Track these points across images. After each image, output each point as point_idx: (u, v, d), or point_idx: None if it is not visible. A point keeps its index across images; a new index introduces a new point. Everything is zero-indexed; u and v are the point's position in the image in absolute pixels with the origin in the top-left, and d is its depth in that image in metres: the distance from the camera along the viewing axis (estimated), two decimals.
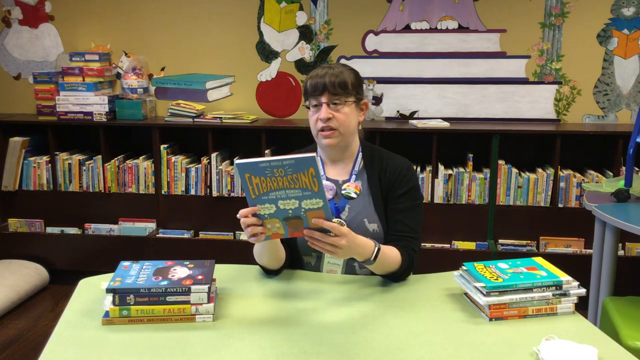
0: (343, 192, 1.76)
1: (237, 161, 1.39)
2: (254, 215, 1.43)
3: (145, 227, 3.63)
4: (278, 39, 3.67)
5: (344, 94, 1.70)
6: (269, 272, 1.75)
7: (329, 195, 1.77)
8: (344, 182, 1.79)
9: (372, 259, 1.59)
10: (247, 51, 3.70)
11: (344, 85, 1.70)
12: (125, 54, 3.74)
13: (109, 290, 1.43)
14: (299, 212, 1.41)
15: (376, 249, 1.60)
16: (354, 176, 1.79)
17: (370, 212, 1.76)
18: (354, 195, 1.76)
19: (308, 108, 1.77)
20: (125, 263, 1.58)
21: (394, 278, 1.70)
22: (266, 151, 3.45)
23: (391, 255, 1.66)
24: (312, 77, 1.72)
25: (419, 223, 1.78)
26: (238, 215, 1.45)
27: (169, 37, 3.74)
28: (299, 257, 1.81)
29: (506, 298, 1.46)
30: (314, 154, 1.35)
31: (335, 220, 1.70)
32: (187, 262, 1.58)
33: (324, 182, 1.79)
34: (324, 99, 1.70)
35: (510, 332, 1.41)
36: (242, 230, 1.47)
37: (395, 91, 3.65)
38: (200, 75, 3.77)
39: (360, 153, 1.83)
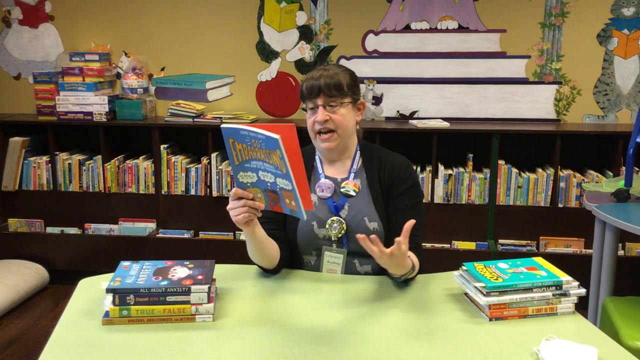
0: (342, 190, 1.77)
1: (222, 125, 1.40)
2: (239, 185, 1.48)
3: (145, 227, 3.63)
4: (278, 39, 3.67)
5: (340, 96, 1.71)
6: (266, 271, 1.76)
7: (327, 193, 1.77)
8: (343, 180, 1.79)
9: (402, 278, 1.64)
10: (247, 51, 3.70)
11: (339, 87, 1.70)
12: (125, 54, 3.74)
13: (109, 290, 1.43)
14: (275, 188, 1.43)
15: (411, 272, 1.64)
16: (352, 174, 1.79)
17: (370, 211, 1.76)
18: (352, 193, 1.76)
19: (305, 110, 1.77)
20: (125, 263, 1.57)
21: (402, 281, 1.70)
22: None
23: (414, 262, 1.67)
24: (308, 79, 1.73)
25: (420, 220, 1.78)
26: (231, 194, 1.49)
27: (169, 37, 3.74)
28: (298, 257, 1.81)
29: (506, 298, 1.46)
30: (278, 136, 1.30)
31: (334, 218, 1.74)
32: (187, 262, 1.58)
33: (323, 180, 1.79)
34: (319, 102, 1.71)
35: (510, 332, 1.41)
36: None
37: (395, 91, 3.65)
38: (200, 75, 3.77)
39: (359, 152, 1.83)
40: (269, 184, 1.43)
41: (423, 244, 1.80)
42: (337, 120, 1.71)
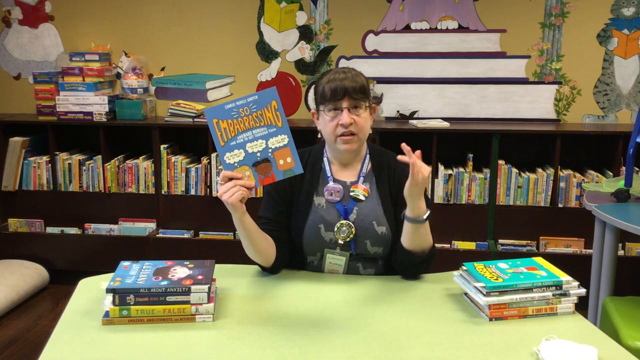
0: (351, 193, 1.76)
1: (206, 109, 1.48)
2: (227, 167, 1.50)
3: (145, 227, 3.63)
4: (278, 39, 3.67)
5: (363, 99, 1.71)
6: (264, 270, 1.76)
7: (336, 197, 1.76)
8: (352, 183, 1.78)
9: (424, 217, 1.64)
10: (247, 51, 3.70)
11: (363, 90, 1.71)
12: (125, 54, 3.74)
13: (109, 290, 1.43)
14: (266, 154, 1.48)
15: (429, 211, 1.65)
16: (362, 178, 1.79)
17: (379, 215, 1.75)
18: (362, 198, 1.75)
19: (317, 112, 1.76)
20: (125, 263, 1.58)
21: (417, 264, 1.70)
22: None
23: (429, 229, 1.68)
24: (331, 81, 1.71)
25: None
26: (220, 178, 1.51)
27: (169, 37, 3.74)
28: (301, 256, 1.80)
29: (506, 298, 1.46)
30: (274, 86, 1.45)
31: (343, 222, 1.73)
32: (187, 262, 1.58)
33: (332, 184, 1.78)
34: (344, 104, 1.69)
35: (510, 332, 1.41)
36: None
37: (395, 91, 3.65)
38: (200, 75, 3.77)
39: (368, 156, 1.82)
40: (258, 155, 1.48)
41: None
42: (359, 123, 1.70)
